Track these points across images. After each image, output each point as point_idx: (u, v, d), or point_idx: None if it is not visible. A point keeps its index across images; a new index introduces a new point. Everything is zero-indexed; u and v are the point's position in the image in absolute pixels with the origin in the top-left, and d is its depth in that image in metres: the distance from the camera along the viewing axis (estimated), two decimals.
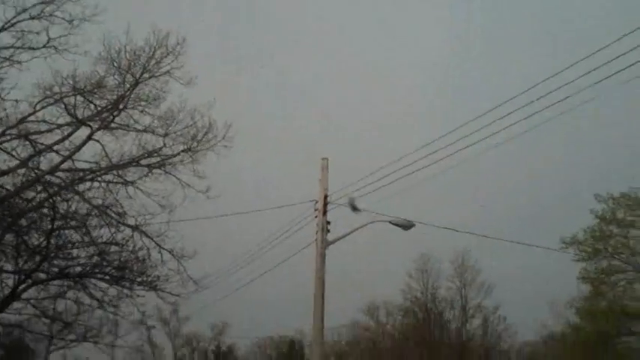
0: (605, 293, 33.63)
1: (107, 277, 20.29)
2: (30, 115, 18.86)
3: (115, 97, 19.33)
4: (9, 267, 20.08)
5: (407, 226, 21.32)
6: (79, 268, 20.05)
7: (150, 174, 19.16)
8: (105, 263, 19.91)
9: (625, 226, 33.06)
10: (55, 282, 21.29)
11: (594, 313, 33.50)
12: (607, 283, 33.47)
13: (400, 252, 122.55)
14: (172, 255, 19.12)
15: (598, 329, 33.08)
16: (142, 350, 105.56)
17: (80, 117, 18.93)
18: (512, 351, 64.53)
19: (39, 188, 18.56)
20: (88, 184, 18.87)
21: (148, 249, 19.27)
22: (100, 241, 19.35)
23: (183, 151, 19.19)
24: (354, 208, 19.34)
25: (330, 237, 21.38)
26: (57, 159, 18.85)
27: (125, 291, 20.40)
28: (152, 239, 18.88)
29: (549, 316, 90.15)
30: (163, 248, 19.04)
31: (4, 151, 18.37)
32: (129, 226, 18.75)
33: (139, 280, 19.77)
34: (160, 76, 19.51)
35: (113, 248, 19.46)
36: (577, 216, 56.69)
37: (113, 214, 18.82)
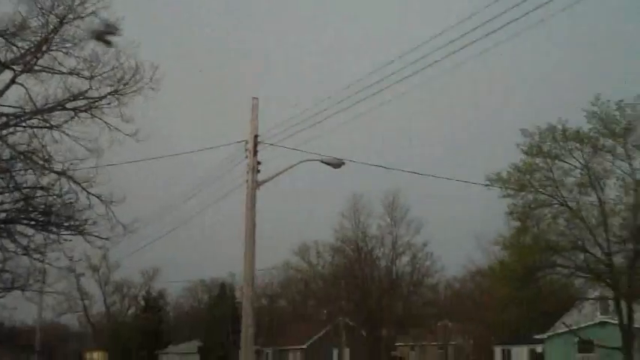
0: (531, 228, 34.45)
1: (33, 223, 19.91)
2: None
3: (38, 38, 18.75)
4: None
5: (337, 164, 21.45)
6: (3, 214, 19.63)
7: (76, 117, 18.74)
8: (30, 209, 19.50)
9: (551, 158, 33.70)
10: None
11: (520, 247, 34.36)
12: (532, 218, 34.26)
13: (333, 193, 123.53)
14: (100, 200, 18.83)
15: (524, 264, 33.98)
16: (71, 298, 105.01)
17: (2, 60, 18.35)
18: (441, 286, 66.36)
19: None
20: (12, 129, 18.37)
21: (76, 193, 18.94)
22: (24, 186, 18.91)
23: (109, 93, 18.77)
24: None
25: (261, 178, 21.38)
26: None
27: (52, 236, 20.06)
28: (79, 184, 18.53)
29: (477, 252, 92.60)
30: (91, 193, 18.73)
31: None
32: (55, 171, 18.37)
33: (65, 224, 19.43)
34: (85, 17, 18.97)
35: (39, 193, 19.05)
36: (506, 151, 58.03)
37: (39, 160, 18.39)
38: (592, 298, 37.83)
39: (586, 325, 42.49)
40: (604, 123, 32.83)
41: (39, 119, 18.41)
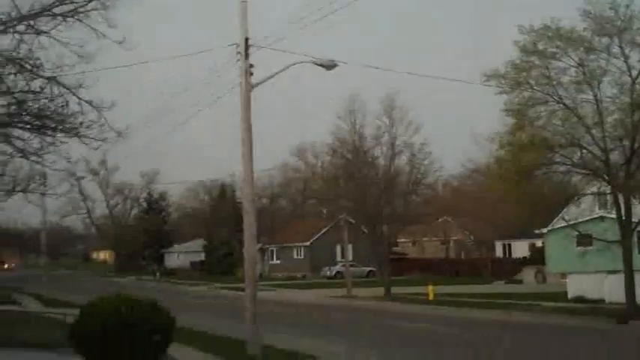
0: (527, 126, 34.36)
1: (28, 127, 19.82)
2: None
3: None
4: None
5: (329, 65, 21.33)
6: None
7: (64, 22, 18.31)
8: (23, 113, 19.36)
9: (546, 57, 33.34)
10: None
11: (516, 145, 34.33)
12: (528, 116, 34.12)
13: (330, 96, 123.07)
14: (91, 105, 18.64)
15: (520, 162, 34.02)
16: (74, 201, 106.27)
17: None
18: (439, 184, 66.69)
19: None
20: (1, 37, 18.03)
21: (67, 101, 18.74)
22: (15, 90, 18.70)
23: None
24: None
25: (254, 80, 21.27)
26: None
27: (48, 139, 20.00)
28: (69, 89, 18.31)
29: (474, 150, 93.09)
30: (81, 98, 18.52)
31: None
32: (44, 77, 18.12)
33: (60, 127, 19.33)
34: None
35: (30, 97, 18.87)
36: (504, 49, 57.46)
37: (28, 66, 18.13)
38: (590, 194, 37.99)
39: (585, 219, 42.82)
40: (598, 22, 32.28)
41: (26, 25, 18.04)
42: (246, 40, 20.74)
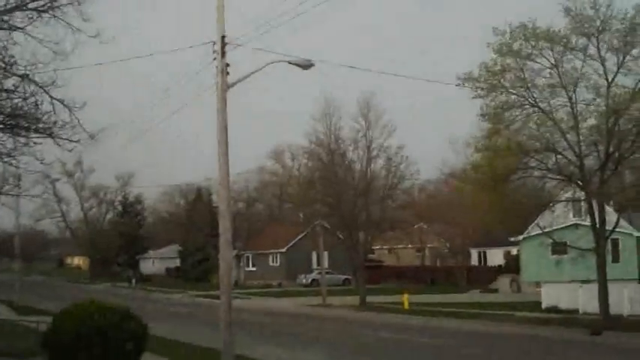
0: (503, 130, 34.40)
1: (1, 126, 19.50)
2: None
3: None
4: None
5: (305, 65, 21.14)
6: None
7: (39, 18, 18.05)
8: None
9: (521, 57, 33.32)
10: None
11: (492, 150, 34.40)
12: (504, 120, 34.14)
13: (306, 96, 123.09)
14: (63, 104, 18.35)
15: (496, 165, 34.07)
16: (48, 204, 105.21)
17: None
18: (415, 189, 66.73)
19: None
20: None
21: (36, 100, 18.43)
22: None
23: None
24: None
25: (231, 80, 21.02)
26: None
27: (21, 139, 19.67)
28: (42, 87, 18.03)
29: (450, 154, 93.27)
30: (54, 97, 18.24)
31: None
32: (17, 75, 17.83)
33: (33, 127, 19.02)
34: None
35: (4, 96, 18.56)
36: (480, 50, 57.59)
37: (1, 63, 17.83)
38: (564, 200, 38.17)
39: (559, 227, 43.07)
40: (578, 20, 32.37)
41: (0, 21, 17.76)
42: (223, 37, 20.46)
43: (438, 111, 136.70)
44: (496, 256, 73.96)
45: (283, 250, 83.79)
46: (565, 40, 32.79)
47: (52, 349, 13.18)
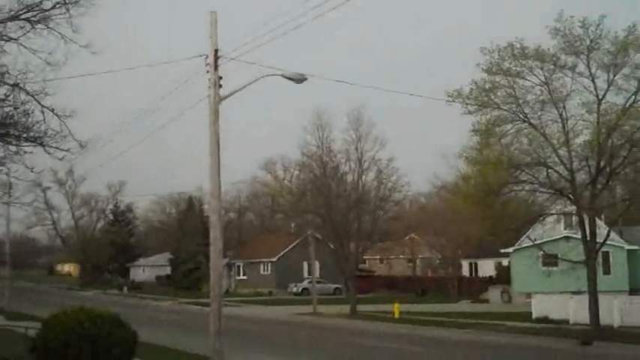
0: (494, 145, 34.59)
1: None
2: None
3: None
4: None
5: (299, 79, 21.29)
6: None
7: (33, 29, 18.11)
8: None
9: (511, 76, 33.55)
10: None
11: (483, 163, 34.55)
12: (495, 134, 34.34)
13: (297, 108, 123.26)
14: (53, 112, 18.41)
15: (487, 179, 34.23)
16: (39, 211, 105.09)
17: None
18: (407, 201, 66.87)
19: None
20: None
21: (27, 109, 18.49)
22: None
23: (58, 3, 17.97)
24: None
25: (223, 92, 21.18)
26: None
27: (12, 148, 19.70)
28: (33, 97, 18.09)
29: (442, 167, 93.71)
30: (44, 106, 18.29)
31: None
32: (9, 84, 17.89)
33: (24, 136, 19.07)
34: None
35: None
36: (469, 67, 57.96)
37: None
38: (555, 213, 38.31)
39: (550, 239, 43.24)
40: (567, 40, 32.59)
41: None
42: (216, 51, 20.64)
43: (429, 125, 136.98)
44: (487, 267, 74.05)
45: (274, 259, 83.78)
46: (555, 59, 33.00)
47: (41, 354, 13.19)
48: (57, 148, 19.38)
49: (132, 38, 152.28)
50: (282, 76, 21.31)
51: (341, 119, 54.51)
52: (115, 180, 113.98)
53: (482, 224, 39.73)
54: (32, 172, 20.80)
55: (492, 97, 33.61)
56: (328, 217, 50.99)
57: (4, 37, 17.85)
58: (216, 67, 20.63)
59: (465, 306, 58.42)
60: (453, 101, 33.31)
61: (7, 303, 52.89)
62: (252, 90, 21.63)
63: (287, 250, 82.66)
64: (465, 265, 78.26)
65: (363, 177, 51.46)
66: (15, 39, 17.89)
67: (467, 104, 33.46)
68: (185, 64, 21.71)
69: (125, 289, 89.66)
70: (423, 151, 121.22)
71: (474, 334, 36.40)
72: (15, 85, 17.85)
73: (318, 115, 51.96)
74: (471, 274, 77.45)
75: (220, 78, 20.77)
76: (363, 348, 30.82)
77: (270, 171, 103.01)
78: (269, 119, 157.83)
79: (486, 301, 62.33)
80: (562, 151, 33.74)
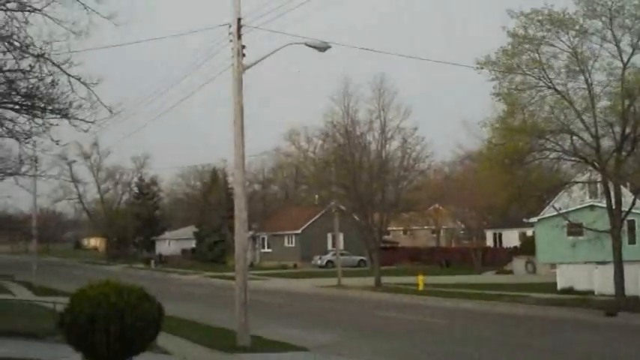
0: (518, 111, 34.27)
1: (17, 107, 19.59)
2: None
3: None
4: None
5: (322, 47, 21.18)
6: None
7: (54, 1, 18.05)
8: (13, 92, 19.11)
9: (536, 42, 33.16)
10: None
11: (507, 130, 34.27)
12: (519, 101, 34.00)
13: (323, 79, 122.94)
14: (80, 82, 18.40)
15: (510, 146, 33.96)
16: (65, 185, 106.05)
17: None
18: (430, 171, 66.63)
19: None
20: None
21: (53, 79, 18.46)
22: (5, 68, 18.45)
23: None
24: None
25: (247, 62, 21.10)
26: None
27: (37, 120, 19.75)
28: (58, 66, 18.08)
29: (465, 136, 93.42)
30: (71, 75, 18.28)
31: None
32: (34, 55, 17.88)
33: (50, 108, 19.09)
34: None
35: (20, 76, 18.62)
36: (494, 33, 57.45)
37: (17, 44, 17.87)
38: (580, 182, 38.00)
39: (575, 208, 42.94)
40: (590, 4, 32.10)
41: (18, 2, 17.79)
42: (239, 20, 20.57)
43: (452, 93, 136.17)
44: (511, 237, 73.82)
45: (298, 231, 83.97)
46: (580, 24, 32.55)
47: (69, 329, 13.27)
48: (82, 120, 19.42)
49: (154, 7, 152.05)
50: (306, 44, 21.24)
51: (365, 89, 54.24)
52: (140, 153, 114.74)
53: (505, 193, 39.46)
54: (58, 144, 20.84)
55: (518, 62, 33.26)
56: (352, 188, 50.90)
57: (28, 8, 17.81)
58: (239, 36, 20.58)
59: (489, 277, 58.33)
60: (482, 68, 33.02)
61: (34, 278, 53.48)
62: (276, 59, 21.61)
63: (311, 222, 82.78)
64: (489, 235, 78.06)
65: (387, 146, 51.25)
66: (39, 10, 17.85)
67: (494, 70, 33.13)
68: (208, 34, 21.69)
69: (153, 263, 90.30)
70: (446, 120, 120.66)
71: (499, 306, 36.32)
72: (40, 56, 17.84)
73: (345, 83, 51.68)
74: (495, 244, 77.26)
75: (243, 47, 20.73)
76: (387, 320, 30.88)
77: (293, 142, 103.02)
78: (292, 89, 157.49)
79: (511, 271, 62.18)
80: (586, 118, 33.34)
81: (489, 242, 77.85)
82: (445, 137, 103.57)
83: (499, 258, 68.66)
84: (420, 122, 52.02)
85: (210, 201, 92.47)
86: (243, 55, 20.79)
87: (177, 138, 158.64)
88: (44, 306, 28.76)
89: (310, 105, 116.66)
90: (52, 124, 19.94)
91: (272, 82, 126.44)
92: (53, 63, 17.95)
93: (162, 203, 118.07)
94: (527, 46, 33.09)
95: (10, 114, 20.43)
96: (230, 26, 20.64)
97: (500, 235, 77.27)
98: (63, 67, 18.06)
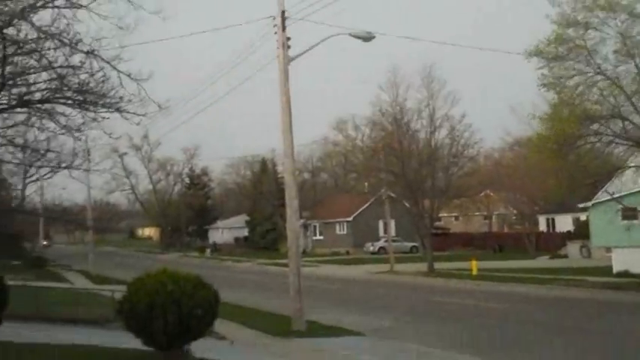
0: (568, 98, 33.88)
1: (70, 102, 19.99)
2: None
3: None
4: None
5: (366, 37, 21.27)
6: (39, 94, 19.71)
7: None
8: (65, 88, 19.53)
9: (584, 28, 32.70)
10: (19, 110, 20.99)
11: (558, 120, 33.90)
12: (568, 87, 33.61)
13: (368, 69, 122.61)
14: (130, 77, 18.72)
15: (561, 134, 33.60)
16: (118, 177, 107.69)
17: None
18: (480, 157, 66.25)
19: None
20: (40, 12, 18.13)
21: (104, 74, 18.80)
22: (56, 65, 18.84)
23: None
24: None
25: (292, 53, 21.30)
26: None
27: (89, 114, 20.14)
28: (108, 62, 18.42)
29: (513, 123, 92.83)
30: (120, 71, 18.61)
31: None
32: (83, 52, 18.24)
33: (101, 102, 19.47)
34: None
35: (70, 72, 19.00)
36: (538, 21, 56.70)
37: (67, 41, 18.24)
38: (634, 166, 37.46)
39: (629, 192, 42.31)
40: None
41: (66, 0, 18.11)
42: (283, 12, 20.80)
43: (499, 80, 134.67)
44: (565, 222, 72.97)
45: (350, 218, 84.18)
46: (629, 8, 31.99)
47: (127, 316, 13.63)
48: (134, 113, 19.74)
49: (198, 1, 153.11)
50: (350, 35, 21.33)
51: (412, 77, 54.17)
52: (190, 144, 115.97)
53: (557, 178, 39.04)
54: (110, 137, 21.24)
55: (565, 49, 32.84)
56: (402, 175, 50.91)
57: (76, 5, 18.12)
58: (283, 28, 20.80)
59: (543, 262, 57.86)
60: (531, 57, 32.70)
61: (91, 267, 54.57)
62: (322, 50, 21.77)
63: (362, 209, 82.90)
64: (542, 220, 77.26)
65: (436, 134, 51.14)
66: (85, 6, 18.17)
67: (543, 59, 32.76)
68: (254, 27, 21.96)
69: (208, 251, 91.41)
70: (494, 107, 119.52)
71: (554, 290, 36.09)
72: (90, 52, 18.17)
73: (393, 72, 51.74)
74: (548, 229, 76.45)
75: (288, 39, 20.94)
76: (441, 305, 30.88)
77: (341, 130, 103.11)
78: (338, 79, 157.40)
79: (565, 256, 61.58)
80: (637, 101, 32.80)
81: (542, 227, 77.06)
82: (493, 123, 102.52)
83: (553, 243, 68.03)
84: (468, 110, 51.80)
85: (260, 190, 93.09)
86: (289, 46, 21.01)
87: (226, 129, 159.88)
88: (102, 294, 29.38)
89: (357, 94, 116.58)
90: (103, 118, 20.34)
91: (319, 73, 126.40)
92: (102, 59, 18.28)
93: (213, 193, 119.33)
94: (573, 33, 32.65)
95: (62, 108, 20.86)
96: (274, 18, 20.85)
97: (554, 219, 76.42)
98: (112, 63, 18.37)
